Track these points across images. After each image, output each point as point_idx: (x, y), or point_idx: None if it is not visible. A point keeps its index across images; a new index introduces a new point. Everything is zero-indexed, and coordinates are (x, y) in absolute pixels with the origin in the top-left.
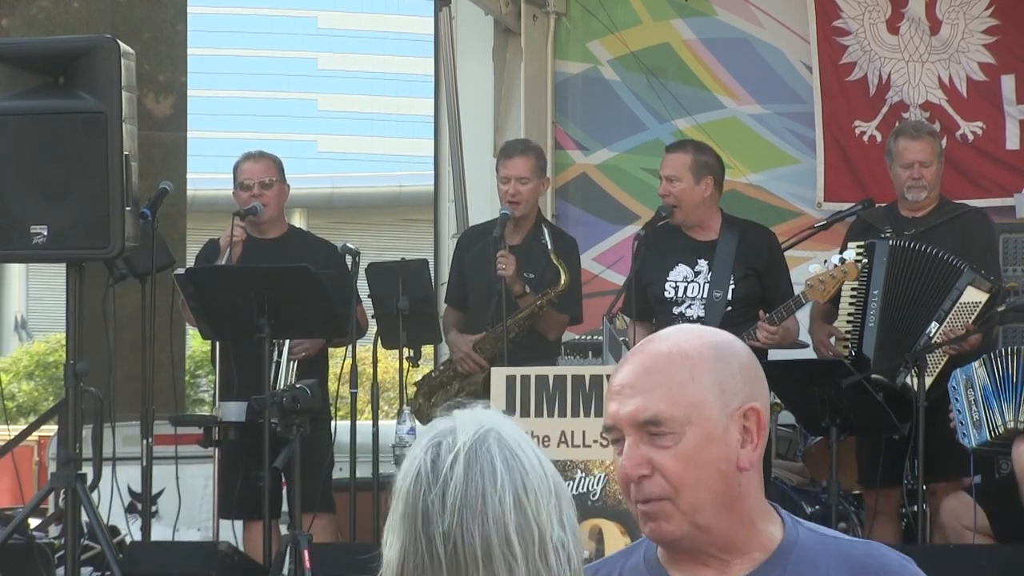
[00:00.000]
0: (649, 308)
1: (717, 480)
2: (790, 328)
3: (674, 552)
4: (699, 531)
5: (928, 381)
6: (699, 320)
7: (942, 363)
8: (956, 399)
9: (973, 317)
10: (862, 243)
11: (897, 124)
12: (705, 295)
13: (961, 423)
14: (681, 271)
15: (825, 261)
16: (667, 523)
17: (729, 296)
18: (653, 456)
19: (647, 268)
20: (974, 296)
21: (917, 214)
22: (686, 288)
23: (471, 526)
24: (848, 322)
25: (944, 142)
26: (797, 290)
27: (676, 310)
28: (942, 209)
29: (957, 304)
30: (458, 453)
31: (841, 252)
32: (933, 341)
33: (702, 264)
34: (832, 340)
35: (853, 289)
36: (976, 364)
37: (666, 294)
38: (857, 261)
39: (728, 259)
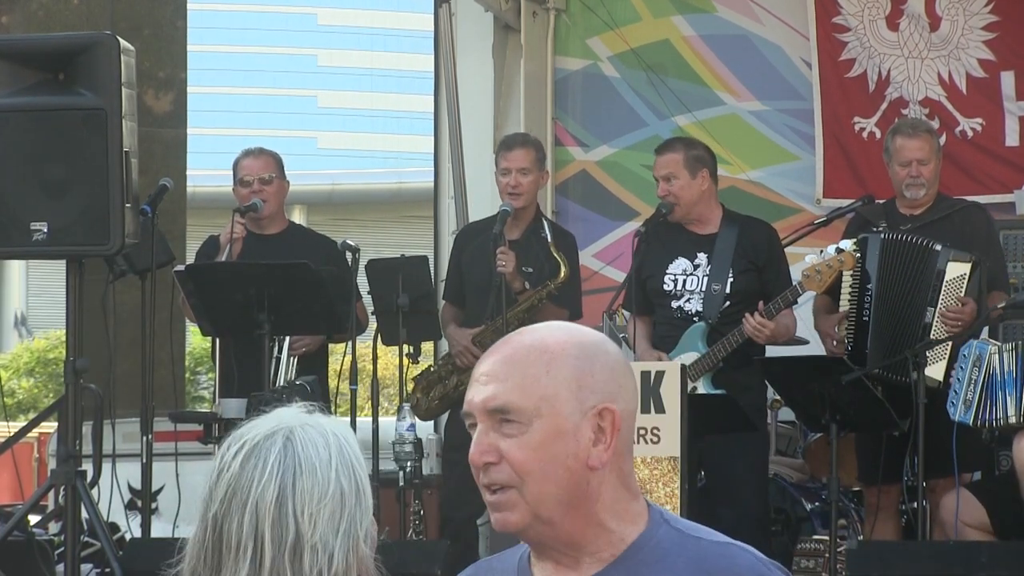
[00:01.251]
0: (649, 302)
1: (563, 475)
2: (787, 324)
3: (533, 549)
4: (543, 524)
5: (942, 367)
6: (697, 314)
7: (949, 345)
8: (962, 367)
9: (963, 290)
10: (855, 239)
11: (896, 121)
12: (704, 288)
13: (955, 391)
14: (680, 264)
15: (821, 251)
16: (511, 513)
17: (728, 289)
18: (500, 444)
19: (647, 262)
20: (957, 270)
21: (915, 211)
22: (685, 281)
23: (233, 515)
24: (847, 318)
25: (943, 138)
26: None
27: (675, 304)
28: (939, 205)
29: (944, 283)
30: (243, 445)
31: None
32: (932, 326)
33: (701, 257)
34: (836, 328)
35: (851, 286)
36: (993, 348)
37: (665, 287)
38: (854, 251)
39: (727, 253)
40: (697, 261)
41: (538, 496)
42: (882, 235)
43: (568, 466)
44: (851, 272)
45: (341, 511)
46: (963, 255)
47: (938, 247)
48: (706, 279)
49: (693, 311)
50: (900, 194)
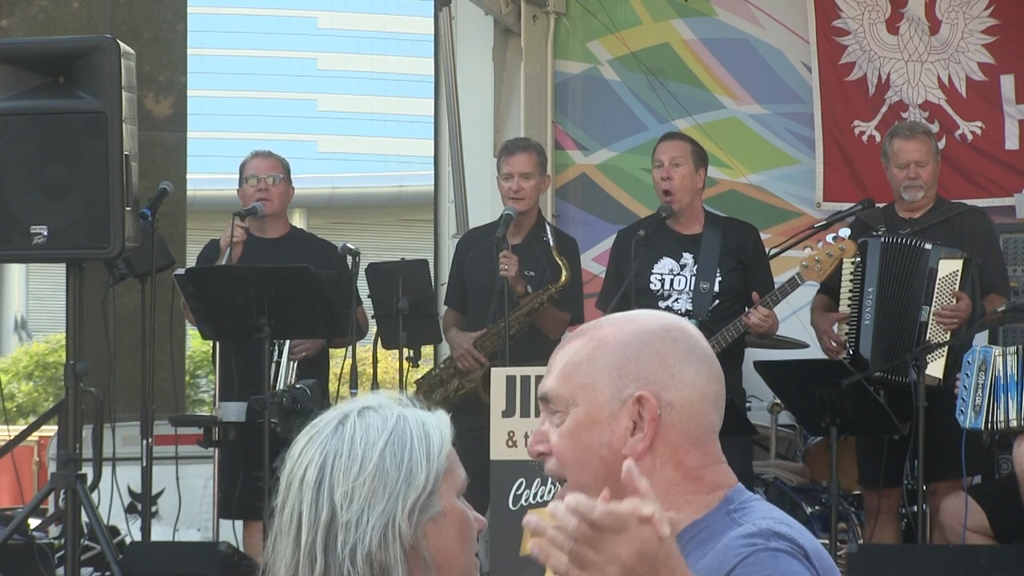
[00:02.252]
0: (628, 304)
1: (598, 465)
2: (774, 317)
3: None
4: None
5: (941, 364)
6: (686, 313)
7: (947, 337)
8: (967, 374)
9: (957, 286)
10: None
11: (894, 124)
12: (692, 287)
13: (963, 399)
14: (666, 264)
15: (820, 243)
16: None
17: (716, 288)
18: (550, 433)
19: (631, 262)
20: (949, 267)
21: (914, 215)
22: (672, 281)
23: (285, 500)
24: (848, 322)
25: (943, 142)
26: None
27: (662, 304)
28: (938, 209)
29: (937, 280)
30: (305, 434)
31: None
32: (929, 327)
33: (687, 257)
34: (835, 327)
35: (850, 291)
36: (997, 351)
37: (651, 287)
38: (848, 238)
39: (714, 251)
40: (683, 261)
41: (578, 486)
42: (882, 239)
43: (602, 456)
44: (851, 272)
45: (383, 489)
46: (954, 252)
47: (928, 246)
48: (693, 278)
49: (682, 310)
50: (898, 197)
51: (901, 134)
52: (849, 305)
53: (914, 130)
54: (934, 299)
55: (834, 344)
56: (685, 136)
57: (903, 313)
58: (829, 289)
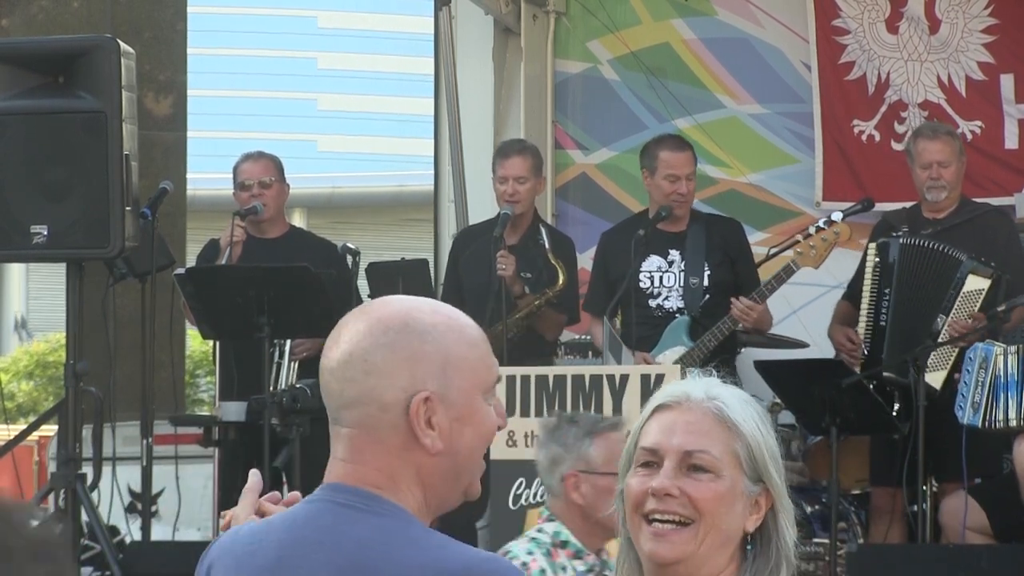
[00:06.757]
0: (615, 305)
1: None
2: (768, 313)
3: None
4: None
5: (942, 375)
6: (678, 310)
7: (953, 356)
8: (968, 370)
9: (979, 305)
10: (874, 242)
11: (918, 125)
12: (682, 283)
13: (963, 395)
14: (654, 261)
15: (812, 227)
16: None
17: (706, 283)
18: None
19: (619, 262)
20: (976, 284)
21: (938, 215)
22: (661, 278)
23: None
24: (866, 323)
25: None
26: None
27: (653, 302)
28: (962, 209)
29: (961, 294)
30: None
31: (864, 253)
32: (940, 334)
33: (674, 254)
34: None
35: (871, 291)
36: (998, 350)
37: (641, 285)
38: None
39: (700, 247)
40: (671, 258)
41: None
42: (902, 240)
43: None
44: (872, 272)
45: None
46: (985, 269)
47: (962, 257)
48: (682, 274)
49: (674, 308)
50: (923, 197)
51: (924, 134)
52: (869, 304)
53: (937, 131)
54: (953, 311)
55: (847, 356)
56: (688, 144)
57: (918, 316)
58: (852, 295)
